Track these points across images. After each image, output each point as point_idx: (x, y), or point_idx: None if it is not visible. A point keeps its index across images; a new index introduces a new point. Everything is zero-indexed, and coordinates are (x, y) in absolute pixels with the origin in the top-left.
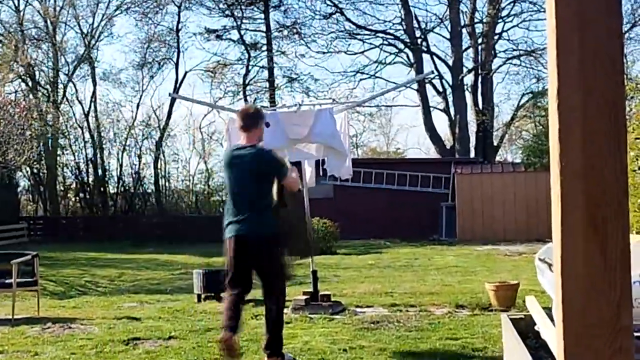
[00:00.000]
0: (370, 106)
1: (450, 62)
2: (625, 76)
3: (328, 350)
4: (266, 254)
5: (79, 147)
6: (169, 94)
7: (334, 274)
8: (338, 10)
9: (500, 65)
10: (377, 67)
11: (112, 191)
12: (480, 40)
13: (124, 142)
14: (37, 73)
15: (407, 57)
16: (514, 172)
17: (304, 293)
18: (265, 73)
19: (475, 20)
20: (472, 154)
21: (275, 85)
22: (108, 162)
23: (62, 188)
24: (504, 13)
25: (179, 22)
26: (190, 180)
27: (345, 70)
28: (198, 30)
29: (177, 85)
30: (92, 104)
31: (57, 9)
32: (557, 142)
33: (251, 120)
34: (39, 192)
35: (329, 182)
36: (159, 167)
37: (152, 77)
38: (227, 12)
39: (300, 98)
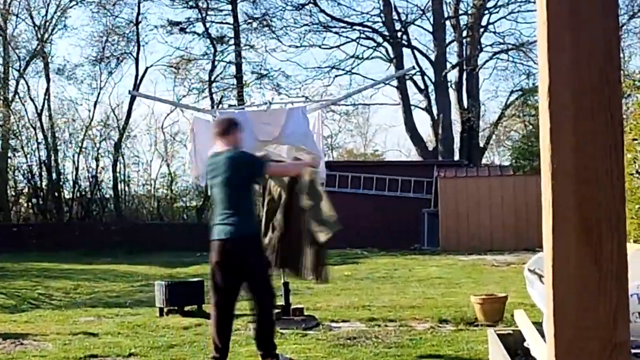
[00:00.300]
0: (346, 104)
1: (432, 57)
2: (622, 72)
3: None
4: (249, 253)
5: (32, 149)
6: (129, 92)
7: (307, 285)
8: (311, 1)
9: (486, 60)
10: (353, 62)
11: (67, 196)
12: (465, 33)
13: (80, 144)
14: None
15: (386, 51)
16: (501, 176)
17: (275, 307)
18: (233, 69)
19: (460, 12)
20: (457, 156)
21: (244, 82)
22: (63, 165)
23: (13, 193)
24: (491, 4)
25: (139, 13)
26: (151, 185)
27: (319, 65)
28: (160, 23)
29: (138, 82)
30: (46, 102)
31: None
32: (548, 144)
33: (226, 125)
34: None
35: None
36: (118, 170)
37: (110, 73)
38: (191, 3)
39: (271, 96)
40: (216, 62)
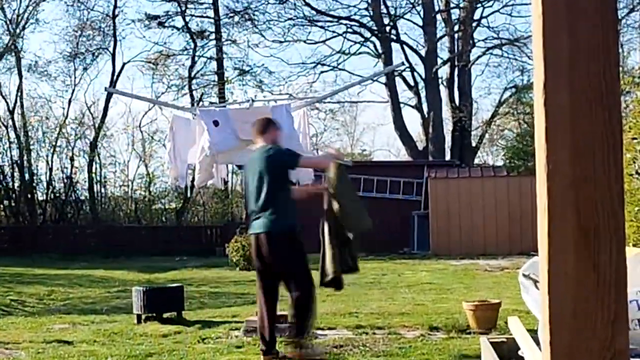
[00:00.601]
0: (332, 102)
1: (422, 53)
2: (620, 68)
3: None
4: (282, 248)
5: (3, 149)
6: (105, 89)
7: None
8: None
9: (479, 56)
10: (340, 58)
11: (40, 198)
12: (456, 28)
13: (54, 143)
14: None
15: (374, 46)
16: (494, 177)
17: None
18: (214, 65)
19: (452, 5)
20: (448, 156)
21: (225, 79)
22: (36, 166)
23: None
24: None
25: (115, 7)
26: (129, 186)
27: (304, 61)
28: (137, 17)
29: (114, 78)
30: (18, 99)
31: None
32: (543, 143)
33: (264, 124)
34: None
35: None
36: (93, 171)
37: (85, 69)
38: None
39: (253, 93)
40: (196, 58)
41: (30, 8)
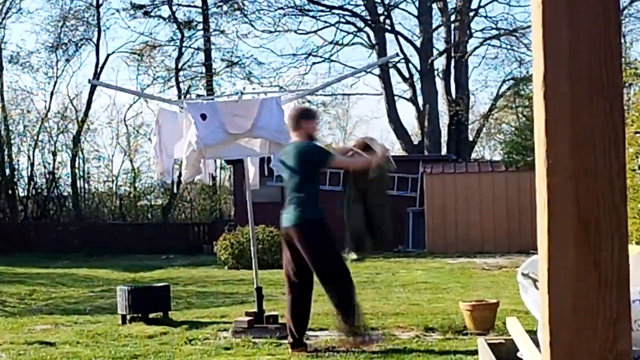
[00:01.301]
0: (324, 95)
1: (418, 44)
2: (622, 60)
3: None
4: (310, 241)
5: None
6: (89, 81)
7: (282, 291)
8: None
9: (476, 47)
10: (332, 48)
11: (21, 194)
12: (453, 18)
13: (35, 137)
14: None
15: (368, 37)
16: (492, 172)
17: (247, 314)
18: (202, 56)
19: None
20: (444, 151)
21: (213, 70)
22: (17, 161)
23: None
24: None
25: None
26: (113, 182)
27: (295, 52)
28: (122, 6)
29: (98, 70)
30: None
31: None
32: (543, 137)
33: (295, 119)
34: None
35: (276, 183)
36: (76, 166)
37: (68, 60)
38: None
39: (242, 85)
40: (183, 49)
41: None
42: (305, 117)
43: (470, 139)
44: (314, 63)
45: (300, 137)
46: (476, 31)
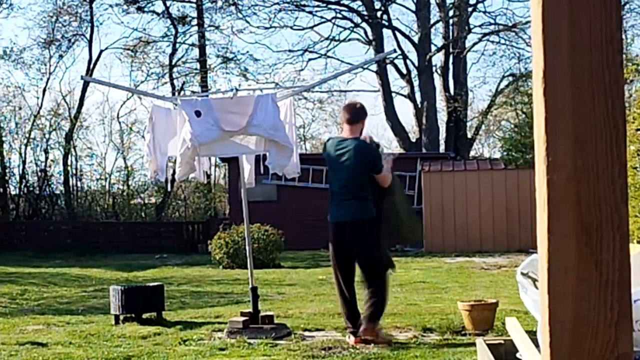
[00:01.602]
0: (320, 91)
1: (415, 39)
2: (623, 56)
3: None
4: (362, 238)
5: None
6: (82, 77)
7: (278, 291)
8: None
9: (475, 43)
10: (329, 44)
11: (13, 192)
12: (451, 13)
13: (27, 135)
14: None
15: (365, 32)
16: (491, 170)
17: (242, 314)
18: (196, 52)
19: None
20: (442, 148)
21: (208, 67)
22: (9, 158)
23: None
24: None
25: None
26: (106, 180)
27: (291, 48)
28: (115, 1)
29: (91, 66)
30: None
31: None
32: (543, 134)
33: (357, 113)
34: None
35: (271, 181)
36: (69, 163)
37: (61, 56)
38: None
39: (237, 82)
40: (177, 45)
41: None
42: (366, 116)
43: (469, 136)
44: (310, 59)
45: (354, 133)
46: (475, 27)
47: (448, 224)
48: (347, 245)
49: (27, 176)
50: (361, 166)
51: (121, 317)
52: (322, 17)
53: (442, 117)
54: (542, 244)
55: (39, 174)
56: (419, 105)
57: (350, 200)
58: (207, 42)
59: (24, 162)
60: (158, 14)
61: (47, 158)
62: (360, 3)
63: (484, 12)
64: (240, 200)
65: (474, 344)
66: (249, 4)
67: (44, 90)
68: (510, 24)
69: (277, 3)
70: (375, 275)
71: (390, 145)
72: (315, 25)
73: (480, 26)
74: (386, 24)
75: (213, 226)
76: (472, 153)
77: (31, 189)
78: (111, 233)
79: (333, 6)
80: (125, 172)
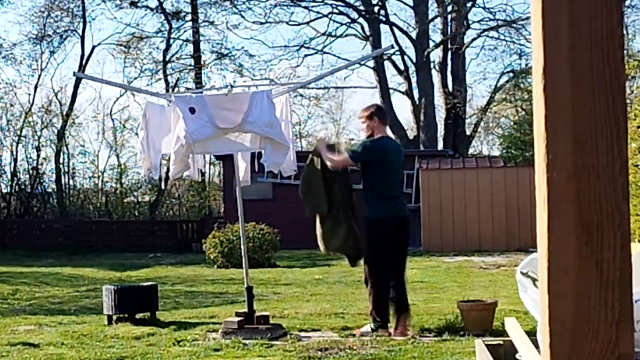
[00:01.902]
0: (317, 88)
1: (413, 35)
2: (624, 52)
3: None
4: (408, 230)
5: None
6: (74, 73)
7: (273, 290)
8: None
9: (474, 38)
10: (325, 40)
11: (4, 190)
12: (450, 8)
13: (19, 132)
14: None
15: (362, 28)
16: (490, 168)
17: (237, 314)
18: (190, 48)
19: None
20: (440, 146)
21: (202, 63)
22: (0, 156)
23: None
24: None
25: None
26: (99, 178)
27: (286, 44)
28: None
29: (83, 62)
30: None
31: None
32: (543, 131)
33: (386, 114)
34: None
35: (267, 179)
36: (61, 161)
37: (52, 52)
38: None
39: (232, 78)
40: (171, 41)
41: None
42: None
43: (468, 133)
44: (306, 55)
45: (386, 134)
46: (473, 22)
47: (446, 222)
48: (404, 237)
49: (18, 174)
50: (402, 164)
51: (114, 318)
52: (318, 13)
53: (440, 113)
54: (542, 242)
55: (31, 171)
56: (417, 102)
57: (401, 197)
58: (201, 38)
59: (15, 160)
60: (152, 9)
61: (38, 156)
62: None
63: (483, 8)
64: (235, 199)
65: (472, 345)
66: None
67: (36, 86)
68: (509, 20)
69: None
70: (403, 269)
71: None
72: (311, 21)
73: (479, 22)
74: (383, 19)
75: (207, 225)
76: (470, 150)
77: (23, 187)
78: (104, 232)
79: (329, 1)
80: (118, 170)
